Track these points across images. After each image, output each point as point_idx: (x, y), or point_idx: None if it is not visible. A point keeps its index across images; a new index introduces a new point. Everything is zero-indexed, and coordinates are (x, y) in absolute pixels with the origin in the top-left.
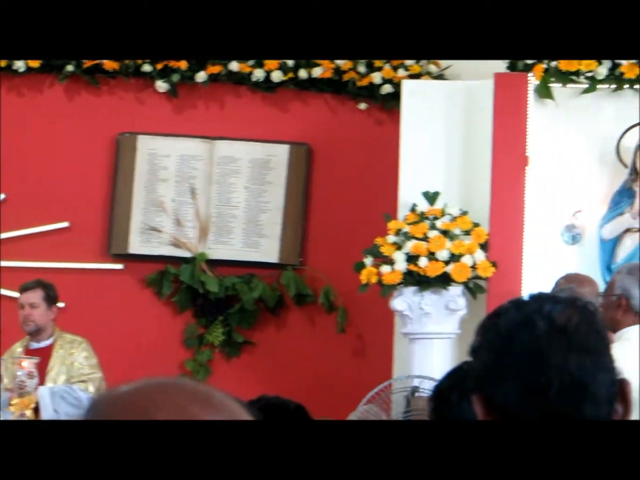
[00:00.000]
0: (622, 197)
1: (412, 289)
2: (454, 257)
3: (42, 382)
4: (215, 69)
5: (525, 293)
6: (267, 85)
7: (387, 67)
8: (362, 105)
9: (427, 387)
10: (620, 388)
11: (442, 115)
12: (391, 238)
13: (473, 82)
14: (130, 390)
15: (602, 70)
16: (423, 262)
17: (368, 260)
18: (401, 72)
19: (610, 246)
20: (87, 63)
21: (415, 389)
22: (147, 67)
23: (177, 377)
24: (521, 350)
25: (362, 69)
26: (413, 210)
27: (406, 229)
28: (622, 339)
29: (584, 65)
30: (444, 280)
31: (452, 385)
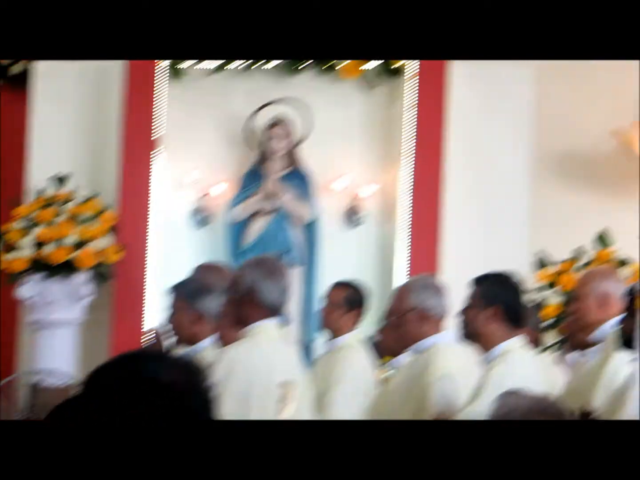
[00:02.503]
0: (252, 179)
1: (38, 276)
2: (81, 243)
3: None
4: None
5: (151, 278)
6: None
7: None
8: None
9: (53, 380)
10: None
11: (73, 97)
12: (17, 224)
13: (105, 63)
14: None
15: None
16: (49, 248)
17: None
18: None
19: (237, 229)
20: None
21: (37, 384)
22: None
23: None
24: (124, 411)
25: None
26: (41, 194)
27: (33, 214)
28: (251, 335)
29: None
30: (70, 267)
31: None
